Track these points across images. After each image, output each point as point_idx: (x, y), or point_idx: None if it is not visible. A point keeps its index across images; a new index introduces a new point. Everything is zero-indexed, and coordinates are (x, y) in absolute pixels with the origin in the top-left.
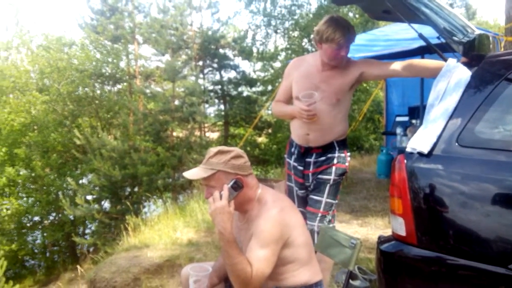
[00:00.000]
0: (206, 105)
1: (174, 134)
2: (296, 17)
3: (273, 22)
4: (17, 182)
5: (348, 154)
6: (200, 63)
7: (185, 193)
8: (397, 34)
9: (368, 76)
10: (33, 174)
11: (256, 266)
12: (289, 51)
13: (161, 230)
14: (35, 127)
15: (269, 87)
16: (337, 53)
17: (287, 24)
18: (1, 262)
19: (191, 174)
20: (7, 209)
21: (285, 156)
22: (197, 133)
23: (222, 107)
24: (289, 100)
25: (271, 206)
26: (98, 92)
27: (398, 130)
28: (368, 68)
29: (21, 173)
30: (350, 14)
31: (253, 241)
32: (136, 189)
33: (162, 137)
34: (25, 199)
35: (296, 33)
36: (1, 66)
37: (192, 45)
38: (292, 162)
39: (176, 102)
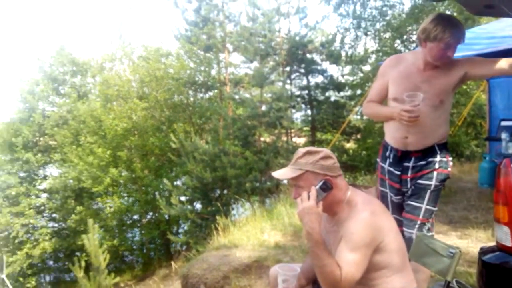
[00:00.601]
0: (293, 110)
1: (262, 139)
2: (387, 18)
3: (363, 24)
4: (119, 182)
5: (450, 158)
6: (288, 68)
7: (272, 196)
8: (502, 31)
9: (473, 76)
10: (133, 175)
11: (345, 269)
12: (380, 53)
13: (249, 232)
14: (136, 132)
15: (358, 91)
16: (444, 53)
17: (378, 26)
18: (105, 255)
19: (280, 174)
20: (110, 207)
21: (378, 160)
22: (284, 138)
23: (309, 112)
24: (383, 101)
25: (362, 208)
26: (192, 99)
27: (504, 136)
28: (473, 67)
29: (123, 174)
30: (447, 13)
31: (343, 244)
32: (225, 191)
33: (250, 141)
34: (126, 198)
35: (387, 35)
36: (107, 76)
37: (279, 51)
38: (386, 166)
39: (264, 108)
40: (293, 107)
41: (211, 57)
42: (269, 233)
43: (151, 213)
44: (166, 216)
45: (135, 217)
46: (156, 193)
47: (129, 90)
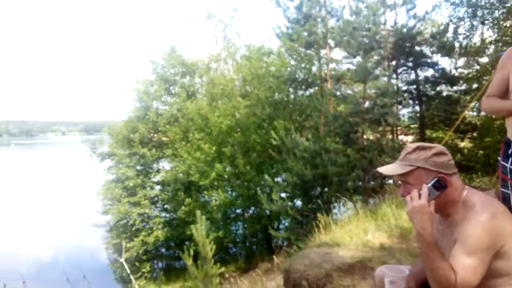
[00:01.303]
0: (399, 107)
1: (365, 136)
2: (508, 5)
3: (479, 13)
4: (224, 177)
5: None
6: (393, 62)
7: (376, 196)
8: None
9: None
10: (236, 171)
11: (461, 274)
12: (499, 44)
13: (351, 231)
14: (239, 129)
15: (474, 85)
16: None
17: (497, 14)
18: (211, 246)
19: (387, 169)
20: (215, 200)
21: (499, 158)
22: (389, 136)
23: (417, 108)
24: (504, 95)
25: (480, 210)
26: (292, 96)
27: None
28: None
29: (227, 169)
30: None
31: (458, 247)
32: (326, 189)
33: (352, 139)
34: (229, 192)
35: (508, 23)
36: (212, 76)
37: (385, 44)
38: (509, 165)
39: (367, 104)
40: (400, 103)
41: (312, 53)
42: (373, 234)
43: (253, 208)
44: (267, 212)
45: (238, 211)
46: (258, 188)
47: (232, 89)
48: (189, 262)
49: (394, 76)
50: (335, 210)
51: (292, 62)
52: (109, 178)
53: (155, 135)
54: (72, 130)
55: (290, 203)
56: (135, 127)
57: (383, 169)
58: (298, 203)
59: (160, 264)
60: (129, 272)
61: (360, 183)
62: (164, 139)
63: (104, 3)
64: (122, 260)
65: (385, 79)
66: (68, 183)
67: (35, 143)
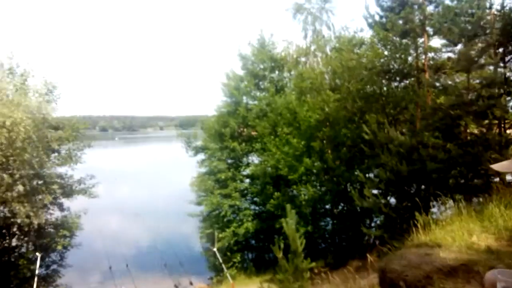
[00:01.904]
0: (508, 98)
1: (468, 130)
2: None
3: None
4: (312, 171)
5: None
6: (501, 49)
7: (481, 195)
8: None
9: None
10: (325, 166)
11: None
12: None
13: (453, 232)
14: (328, 123)
15: None
16: None
17: None
18: (301, 240)
19: (503, 166)
20: (304, 195)
21: None
22: (495, 129)
23: None
24: None
25: None
26: (385, 88)
27: None
28: None
29: (315, 164)
30: None
31: None
32: (423, 186)
33: (453, 133)
34: (318, 187)
35: None
36: (301, 70)
37: (491, 30)
38: None
39: (471, 95)
40: (508, 93)
41: (408, 42)
42: (478, 235)
43: (342, 204)
44: (358, 208)
45: (327, 206)
46: (348, 184)
47: (321, 82)
48: (280, 255)
49: (502, 64)
50: (434, 209)
51: (386, 53)
52: (202, 171)
53: (245, 129)
54: (168, 125)
55: (383, 200)
56: (226, 121)
57: (498, 166)
58: (392, 200)
59: (250, 255)
60: (221, 261)
61: (463, 180)
62: (253, 133)
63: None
64: (215, 249)
65: (491, 68)
66: (166, 174)
67: (136, 137)
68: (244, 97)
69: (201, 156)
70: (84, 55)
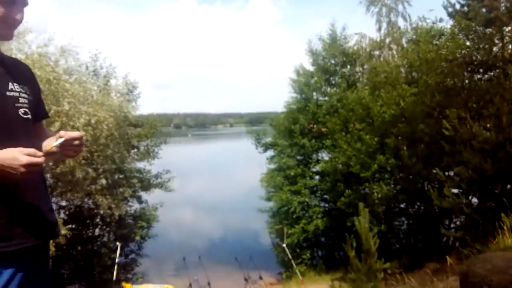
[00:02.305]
0: None
1: None
2: None
3: None
4: (386, 169)
5: None
6: None
7: None
8: None
9: None
10: (400, 163)
11: None
12: None
13: None
14: (404, 118)
15: None
16: None
17: None
18: (375, 239)
19: None
20: (377, 193)
21: None
22: None
23: None
24: None
25: None
26: (467, 81)
27: None
28: None
29: (390, 161)
30: None
31: None
32: (509, 185)
33: None
34: (392, 185)
35: None
36: (375, 64)
37: None
38: None
39: None
40: None
41: (492, 32)
42: None
43: (418, 203)
44: (435, 208)
45: (402, 205)
46: (425, 183)
47: (397, 76)
48: (352, 254)
49: None
50: None
51: (468, 43)
52: (271, 167)
53: (315, 126)
54: (238, 122)
55: (465, 200)
56: (295, 118)
57: None
58: (474, 200)
59: (319, 253)
60: (290, 257)
61: None
62: (323, 129)
63: None
64: (284, 245)
65: None
66: (236, 170)
67: (208, 134)
68: (314, 93)
69: (271, 152)
70: (162, 58)
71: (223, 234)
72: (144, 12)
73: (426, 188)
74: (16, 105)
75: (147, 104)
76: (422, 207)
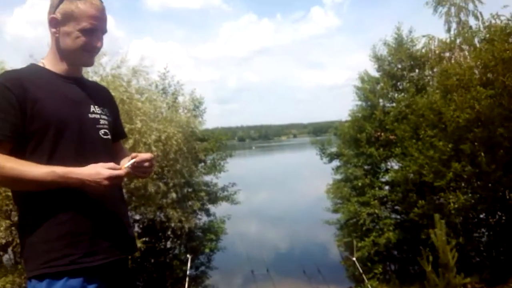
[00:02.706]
0: None
1: None
2: None
3: None
4: (462, 177)
5: None
6: None
7: None
8: None
9: None
10: (477, 170)
11: None
12: None
13: None
14: (479, 122)
15: None
16: None
17: None
18: (453, 253)
19: None
20: (453, 203)
21: None
22: None
23: None
24: None
25: None
26: None
27: None
28: None
29: (466, 168)
30: None
31: None
32: None
33: None
34: (470, 195)
35: None
36: (446, 66)
37: None
38: None
39: None
40: None
41: None
42: None
43: (499, 213)
44: None
45: (482, 216)
46: (507, 191)
47: (470, 78)
48: (428, 268)
49: None
50: None
51: None
52: (337, 178)
53: (382, 133)
54: (302, 132)
55: None
56: (361, 126)
57: None
58: None
59: (392, 267)
60: (361, 271)
61: None
62: (391, 137)
63: None
64: (354, 258)
65: None
66: (300, 181)
67: (271, 145)
68: (381, 100)
69: (336, 162)
70: (226, 73)
71: (290, 246)
72: (208, 30)
73: (507, 197)
74: (97, 126)
75: (212, 119)
76: (504, 217)
